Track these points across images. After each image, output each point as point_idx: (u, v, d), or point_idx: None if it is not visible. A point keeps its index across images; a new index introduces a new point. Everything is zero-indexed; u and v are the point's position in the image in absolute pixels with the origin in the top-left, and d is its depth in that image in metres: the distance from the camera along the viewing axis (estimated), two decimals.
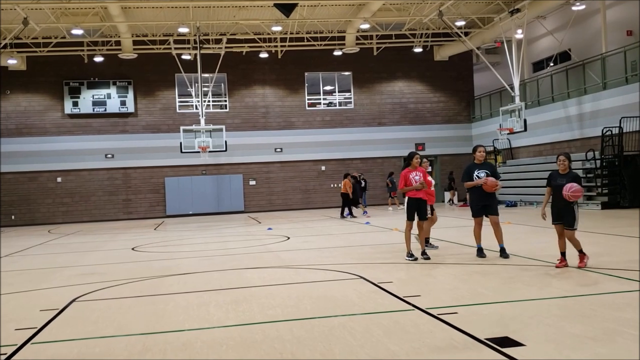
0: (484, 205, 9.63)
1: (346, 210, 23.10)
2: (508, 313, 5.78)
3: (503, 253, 9.44)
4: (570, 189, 7.93)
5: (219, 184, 31.16)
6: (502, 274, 8.11)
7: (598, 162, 21.48)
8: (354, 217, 22.70)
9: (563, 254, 8.23)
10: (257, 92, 31.96)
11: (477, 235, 9.79)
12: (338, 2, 25.86)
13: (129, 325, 6.08)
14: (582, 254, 8.18)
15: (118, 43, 28.99)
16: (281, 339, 5.23)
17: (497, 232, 9.57)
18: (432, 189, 11.06)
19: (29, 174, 29.86)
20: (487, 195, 9.59)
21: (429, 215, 10.75)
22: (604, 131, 21.23)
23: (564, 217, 8.16)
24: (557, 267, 8.14)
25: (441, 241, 12.02)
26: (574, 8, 24.95)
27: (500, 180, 9.74)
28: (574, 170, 8.41)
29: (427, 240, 11.19)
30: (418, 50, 31.42)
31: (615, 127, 20.94)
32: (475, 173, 9.63)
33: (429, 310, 5.97)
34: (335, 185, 32.00)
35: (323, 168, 32.16)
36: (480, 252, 9.69)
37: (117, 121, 30.69)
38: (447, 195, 30.27)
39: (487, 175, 9.54)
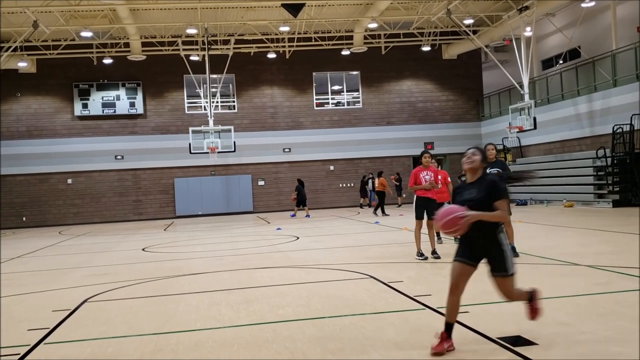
0: None
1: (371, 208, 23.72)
2: (520, 312, 5.72)
3: (513, 252, 9.38)
4: (444, 217, 4.55)
5: (227, 184, 31.22)
6: None
7: (609, 160, 21.35)
8: (386, 214, 22.58)
9: (450, 327, 4.64)
10: (265, 92, 31.99)
11: None
12: (346, 1, 25.85)
13: (140, 325, 6.10)
14: (532, 302, 4.86)
15: (127, 45, 29.10)
16: (292, 338, 5.22)
17: (508, 231, 9.50)
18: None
19: (40, 176, 30.05)
20: None
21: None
22: (615, 129, 21.09)
23: (489, 257, 4.65)
24: (433, 352, 4.48)
25: (449, 239, 11.98)
26: (583, 5, 24.80)
27: None
28: (490, 174, 5.51)
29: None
30: (426, 49, 31.34)
31: (626, 124, 20.79)
32: (488, 171, 9.58)
33: (440, 310, 5.94)
34: (344, 185, 32.05)
35: (332, 168, 32.15)
36: None
37: (126, 122, 30.82)
38: None
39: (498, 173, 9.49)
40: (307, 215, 25.00)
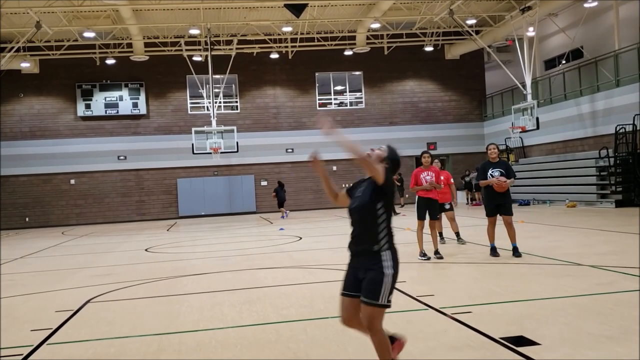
0: (497, 204, 9.50)
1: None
2: (523, 312, 5.74)
3: (515, 252, 9.39)
4: None
5: (230, 184, 31.22)
6: (515, 273, 8.06)
7: (612, 160, 21.31)
8: (397, 213, 22.86)
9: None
10: (268, 92, 32.00)
11: (491, 235, 9.73)
12: (348, 1, 25.83)
13: (143, 325, 6.11)
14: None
15: (130, 45, 29.13)
16: (295, 338, 5.23)
17: (510, 231, 9.49)
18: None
19: (43, 177, 30.09)
20: (501, 195, 9.44)
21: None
22: (618, 129, 21.06)
23: (365, 278, 3.84)
24: None
25: (453, 240, 11.98)
26: (586, 5, 24.76)
27: (515, 178, 9.53)
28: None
29: (457, 235, 11.92)
30: (429, 49, 31.32)
31: (629, 124, 20.75)
32: (490, 172, 9.49)
33: (443, 310, 5.95)
34: (347, 185, 32.00)
35: (334, 168, 32.12)
36: (494, 252, 9.64)
37: (129, 123, 30.85)
38: (462, 194, 30.05)
39: (501, 174, 9.39)
40: (282, 216, 25.83)
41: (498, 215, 9.60)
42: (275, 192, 26.50)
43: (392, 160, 4.14)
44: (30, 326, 6.29)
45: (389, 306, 3.78)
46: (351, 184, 4.26)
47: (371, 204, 3.81)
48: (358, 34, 29.91)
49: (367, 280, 3.76)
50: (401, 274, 8.35)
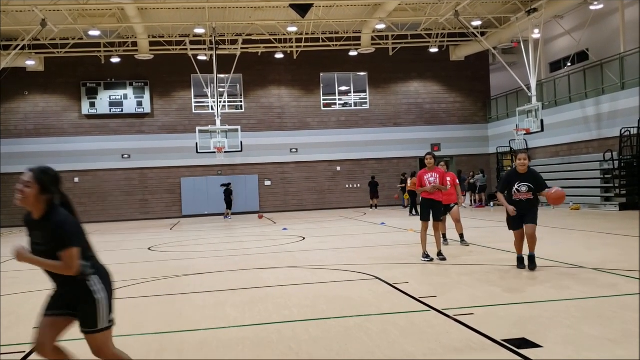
0: (522, 215, 8.29)
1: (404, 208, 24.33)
2: (525, 314, 5.73)
3: (531, 263, 8.25)
4: None
5: (234, 184, 31.20)
6: (518, 275, 8.04)
7: (616, 163, 21.25)
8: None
9: None
10: (273, 92, 32.01)
11: (518, 247, 8.53)
12: (354, 2, 25.84)
13: (145, 324, 6.12)
14: None
15: (135, 44, 29.18)
16: (297, 339, 5.23)
17: (530, 242, 8.26)
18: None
19: None
20: (527, 204, 8.29)
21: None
22: (622, 132, 21.00)
23: (77, 309, 3.97)
24: None
25: (455, 241, 11.96)
26: (592, 7, 24.70)
27: (548, 187, 8.44)
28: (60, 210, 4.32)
29: (461, 237, 11.84)
30: (434, 50, 31.29)
31: (634, 127, 20.70)
32: (516, 186, 8.31)
33: (445, 311, 5.94)
34: (350, 185, 32.02)
35: (338, 168, 32.13)
36: (521, 263, 8.47)
37: (133, 122, 30.90)
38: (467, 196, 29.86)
39: (529, 190, 8.24)
40: (226, 217, 27.74)
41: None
42: (224, 193, 27.70)
43: (46, 185, 3.90)
44: (32, 324, 6.28)
45: (110, 327, 3.88)
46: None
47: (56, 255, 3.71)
48: (363, 34, 29.90)
49: (82, 312, 3.74)
50: (403, 275, 8.38)
